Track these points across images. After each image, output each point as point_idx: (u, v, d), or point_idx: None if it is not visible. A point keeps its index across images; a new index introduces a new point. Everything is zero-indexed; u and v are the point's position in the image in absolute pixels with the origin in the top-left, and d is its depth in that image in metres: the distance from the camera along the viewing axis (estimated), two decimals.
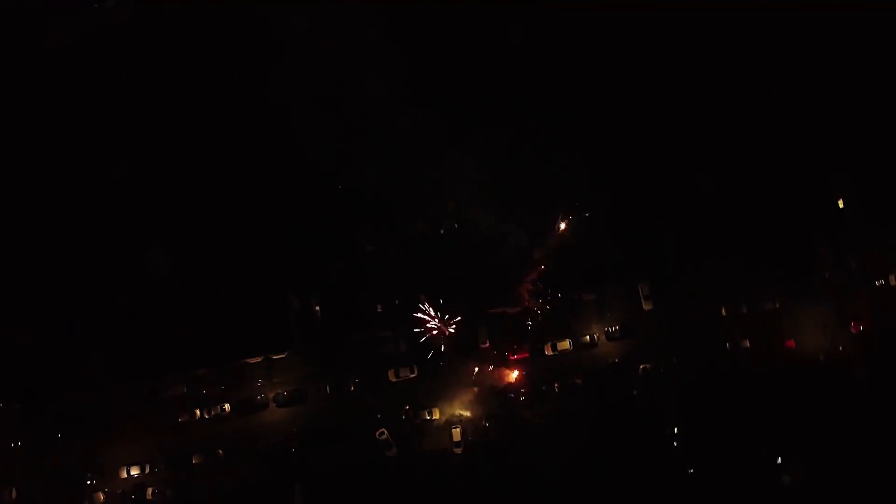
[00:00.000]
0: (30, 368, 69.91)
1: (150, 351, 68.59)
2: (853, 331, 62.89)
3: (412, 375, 65.36)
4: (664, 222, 68.21)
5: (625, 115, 70.27)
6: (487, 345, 65.82)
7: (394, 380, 65.44)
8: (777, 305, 64.58)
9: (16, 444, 68.29)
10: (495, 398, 62.99)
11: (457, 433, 61.29)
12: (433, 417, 63.22)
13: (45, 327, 70.26)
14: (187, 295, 70.55)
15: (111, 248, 71.60)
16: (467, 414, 63.09)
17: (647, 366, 62.92)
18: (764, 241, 66.98)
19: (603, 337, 65.12)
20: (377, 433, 62.25)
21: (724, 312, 64.41)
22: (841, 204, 68.12)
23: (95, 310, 70.11)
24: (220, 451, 64.45)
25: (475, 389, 63.73)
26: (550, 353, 64.45)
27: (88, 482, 64.84)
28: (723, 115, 69.96)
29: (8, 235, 73.16)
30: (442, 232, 73.01)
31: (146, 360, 68.45)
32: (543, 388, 62.75)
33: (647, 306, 65.85)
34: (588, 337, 64.96)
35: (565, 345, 64.66)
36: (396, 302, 70.07)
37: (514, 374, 63.99)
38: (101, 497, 64.11)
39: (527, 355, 64.96)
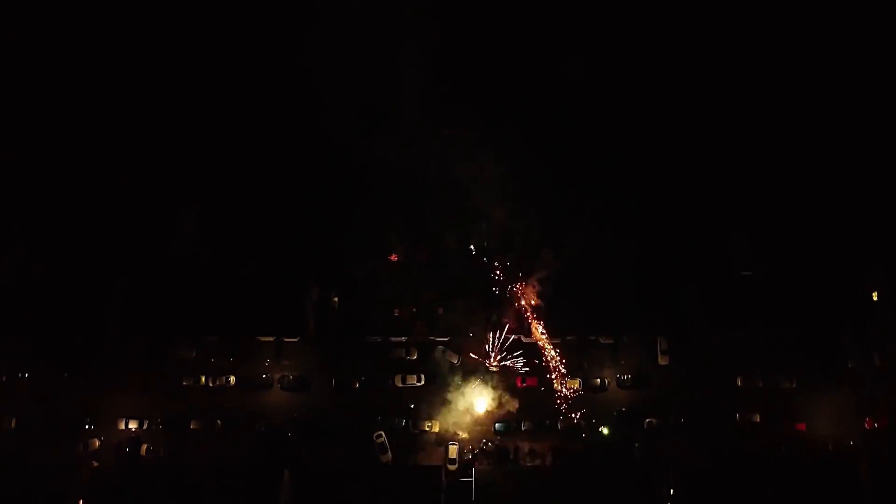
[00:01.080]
0: (49, 304, 71.70)
1: (168, 309, 70.14)
2: (867, 426, 62.15)
3: (418, 384, 65.86)
4: (695, 281, 68.76)
5: (669, 184, 71.55)
6: (497, 368, 66.33)
7: (399, 385, 65.97)
8: (794, 385, 64.11)
9: (22, 375, 70.12)
10: (496, 423, 63.11)
11: (453, 450, 61.47)
12: (432, 430, 63.55)
13: (74, 265, 72.20)
14: (214, 263, 72.14)
15: (153, 204, 73.66)
16: (465, 435, 63.45)
17: (654, 421, 62.68)
18: (792, 319, 67.02)
19: (614, 383, 65.04)
20: (375, 435, 62.70)
21: (739, 382, 64.11)
22: (875, 297, 67.79)
23: (125, 257, 72.03)
24: (219, 422, 65.34)
25: (478, 411, 64.09)
26: (559, 388, 64.55)
27: (87, 426, 66.08)
28: (772, 197, 70.91)
29: (48, 176, 75.18)
30: (471, 248, 73.94)
31: (162, 318, 70.16)
32: (547, 422, 62.86)
33: (662, 361, 65.75)
34: (599, 380, 64.92)
35: (575, 384, 64.71)
36: (414, 310, 71.08)
37: (515, 403, 64.29)
38: (97, 443, 65.19)
39: (534, 385, 65.22)
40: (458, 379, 65.14)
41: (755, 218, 70.65)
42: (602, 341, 66.87)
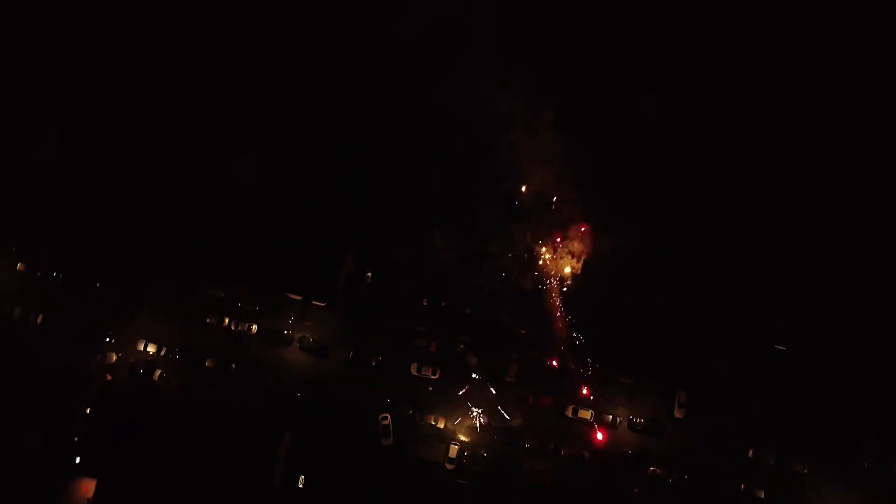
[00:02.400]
0: (96, 212, 73.29)
1: (207, 247, 71.25)
2: None
3: (433, 377, 66.05)
4: (729, 343, 67.75)
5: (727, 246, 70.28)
6: (513, 379, 66.37)
7: (415, 374, 66.21)
8: (805, 471, 62.83)
9: (57, 275, 72.08)
10: (501, 433, 63.25)
11: (454, 450, 61.63)
12: (437, 425, 63.77)
13: (129, 182, 73.70)
14: (261, 211, 72.77)
15: (216, 141, 74.40)
16: (466, 438, 63.50)
17: (658, 471, 62.18)
18: (817, 403, 65.83)
19: (625, 423, 64.55)
20: (380, 417, 63.16)
21: (750, 454, 63.12)
22: None
23: (179, 189, 72.95)
24: (234, 366, 66.52)
25: (485, 417, 64.25)
26: (570, 415, 64.39)
27: (107, 339, 67.76)
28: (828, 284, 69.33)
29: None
30: (510, 256, 73.79)
31: (200, 254, 71.27)
32: (551, 445, 62.74)
33: (678, 414, 65.01)
34: (611, 417, 64.50)
35: (586, 415, 64.39)
36: (443, 304, 71.27)
37: (524, 420, 64.19)
38: (113, 358, 66.82)
39: (547, 405, 65.11)
40: (472, 380, 65.40)
41: (805, 297, 69.15)
42: (622, 380, 66.63)
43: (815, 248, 70.43)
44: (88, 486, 56.65)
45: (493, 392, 64.64)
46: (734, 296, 70.00)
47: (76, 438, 59.48)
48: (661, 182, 73.08)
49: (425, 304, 71.10)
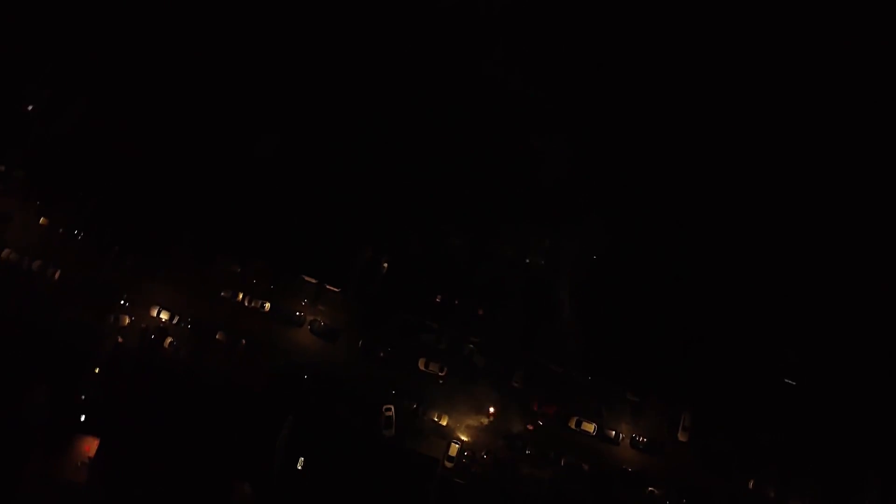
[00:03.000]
0: (125, 175, 74.13)
1: (230, 220, 72.03)
2: None
3: (440, 374, 66.20)
4: (740, 373, 67.47)
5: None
6: (520, 385, 66.36)
7: (422, 369, 66.34)
8: None
9: (79, 233, 72.79)
10: (503, 437, 63.28)
11: (454, 449, 61.77)
12: (439, 422, 63.88)
13: (166, 148, 74.87)
14: (285, 192, 73.54)
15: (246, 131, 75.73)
16: (467, 438, 63.61)
17: (656, 491, 61.95)
18: (821, 439, 65.48)
19: (627, 440, 64.40)
20: (384, 408, 63.32)
21: (751, 486, 62.77)
22: None
23: (210, 159, 74.08)
24: (243, 342, 66.86)
25: (489, 419, 64.23)
26: (573, 426, 64.24)
27: (122, 302, 68.39)
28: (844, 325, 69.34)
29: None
30: (527, 261, 73.78)
31: (222, 226, 71.92)
32: (551, 454, 62.67)
33: (682, 437, 64.78)
34: (614, 433, 64.31)
35: (590, 428, 64.24)
36: (456, 302, 71.41)
37: (528, 425, 64.23)
38: (126, 321, 67.32)
39: (551, 413, 65.10)
40: (478, 382, 65.56)
41: (820, 335, 69.07)
42: (629, 396, 66.49)
43: (838, 292, 70.38)
44: (91, 445, 57.09)
45: (500, 394, 64.83)
46: (749, 324, 69.99)
47: (83, 396, 60.00)
48: (682, 204, 73.83)
49: (438, 300, 71.40)
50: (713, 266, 71.25)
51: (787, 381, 69.41)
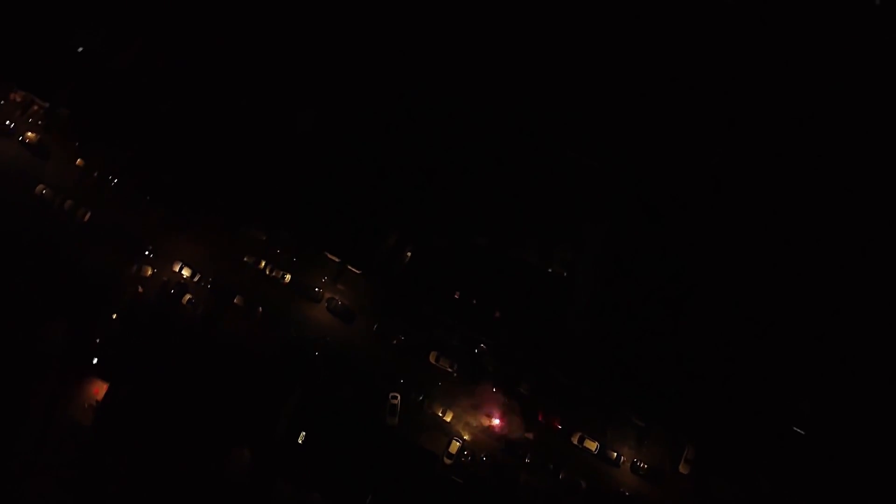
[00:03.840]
0: (167, 131, 75.28)
1: (263, 188, 72.68)
2: None
3: (450, 370, 66.28)
4: (748, 416, 66.92)
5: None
6: (526, 393, 66.19)
7: (432, 362, 66.47)
8: None
9: (113, 179, 73.78)
10: (505, 442, 63.24)
11: (455, 446, 61.92)
12: (443, 417, 64.01)
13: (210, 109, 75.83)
14: (319, 168, 74.00)
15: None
16: (469, 439, 63.76)
17: None
18: (823, 493, 64.85)
19: (628, 464, 64.10)
20: (391, 395, 63.61)
21: None
22: None
23: (253, 128, 74.79)
24: (260, 309, 67.52)
25: (492, 422, 64.32)
26: (576, 442, 64.16)
27: (147, 252, 69.41)
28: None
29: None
30: (549, 271, 73.64)
31: (254, 192, 72.57)
32: (551, 466, 62.62)
33: (683, 469, 64.25)
34: (615, 454, 64.03)
35: (592, 446, 64.04)
36: (473, 301, 71.43)
37: (529, 434, 64.22)
38: (149, 272, 68.38)
39: (555, 423, 65.02)
40: (486, 384, 65.58)
41: (837, 391, 68.19)
42: (635, 420, 66.21)
43: (862, 351, 69.34)
44: (100, 389, 58.02)
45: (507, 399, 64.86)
46: (767, 368, 69.42)
47: (97, 340, 60.92)
48: (711, 233, 72.99)
49: (456, 297, 71.52)
50: (738, 307, 70.51)
51: (796, 429, 68.85)
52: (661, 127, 77.92)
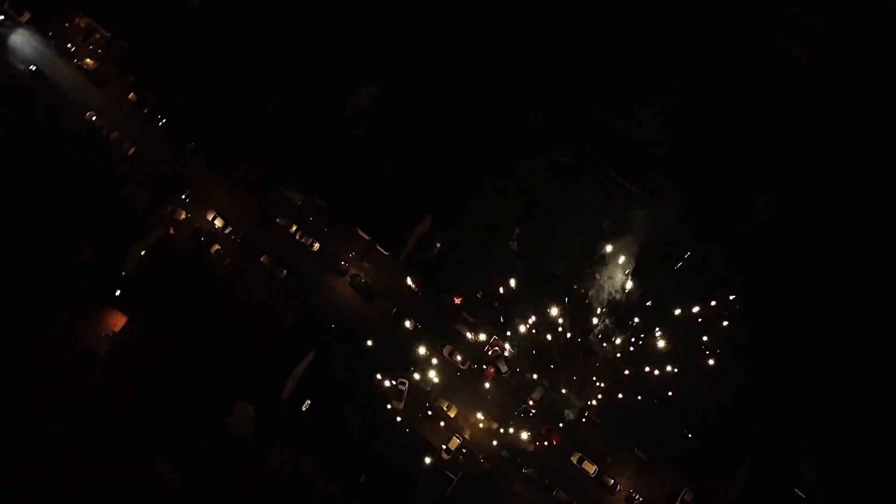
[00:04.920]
0: (217, 80, 76.07)
1: (303, 153, 73.33)
2: None
3: (461, 366, 66.53)
4: (749, 466, 66.71)
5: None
6: (533, 403, 66.49)
7: (445, 356, 66.94)
8: None
9: (160, 119, 75.00)
10: (505, 448, 63.45)
11: (455, 442, 62.28)
12: (447, 412, 64.37)
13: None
14: (366, 142, 74.29)
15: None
16: (469, 437, 64.07)
17: None
18: None
19: (624, 494, 63.69)
20: (399, 380, 64.18)
21: None
22: None
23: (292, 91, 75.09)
24: (284, 271, 68.42)
25: (495, 427, 64.47)
26: (575, 462, 64.05)
27: (184, 196, 70.62)
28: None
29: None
30: (574, 287, 73.58)
31: (295, 156, 73.27)
32: (546, 481, 62.63)
33: None
34: (612, 482, 63.72)
35: (590, 469, 63.93)
36: (495, 304, 71.59)
37: (530, 446, 64.35)
38: (182, 216, 69.59)
39: (557, 440, 65.13)
40: (496, 387, 65.81)
41: (842, 461, 67.62)
42: (637, 452, 66.07)
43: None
44: (118, 321, 59.02)
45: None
46: (773, 427, 68.82)
47: (123, 273, 61.94)
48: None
49: (479, 296, 71.78)
50: (756, 365, 69.69)
51: (797, 491, 68.36)
52: (704, 153, 77.12)
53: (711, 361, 67.85)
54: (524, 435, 64.16)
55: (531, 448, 64.24)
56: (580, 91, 78.63)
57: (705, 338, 68.98)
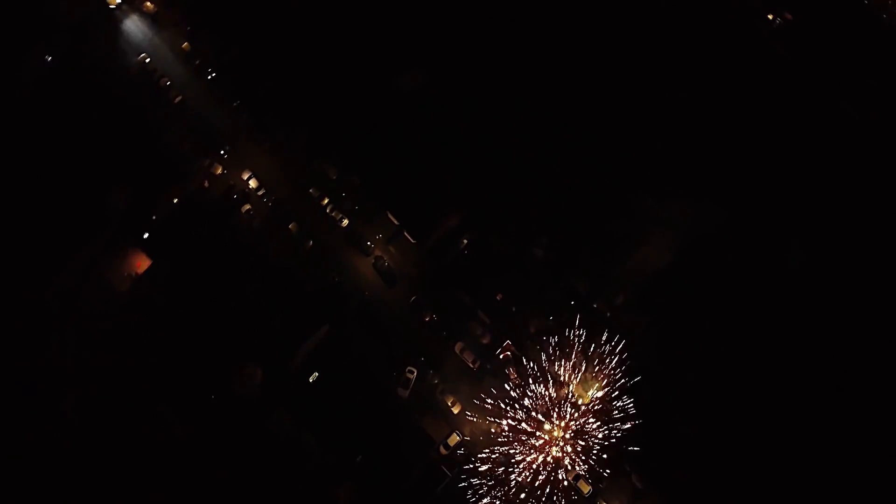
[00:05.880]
0: (269, 50, 77.03)
1: (346, 128, 74.11)
2: None
3: (471, 365, 66.78)
4: None
5: None
6: (539, 413, 66.54)
7: (456, 352, 67.13)
8: None
9: (211, 72, 75.85)
10: (502, 455, 63.00)
11: (454, 439, 62.54)
12: (451, 408, 64.65)
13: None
14: (409, 132, 74.65)
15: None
16: (469, 437, 64.24)
17: None
18: None
19: None
20: (407, 369, 64.48)
21: None
22: None
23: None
24: (311, 243, 68.92)
25: (496, 430, 64.70)
26: (570, 479, 63.90)
27: (222, 152, 71.44)
28: None
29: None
30: (594, 306, 73.57)
31: (337, 130, 74.02)
32: (538, 492, 62.04)
33: None
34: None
35: (585, 488, 63.52)
36: (513, 309, 71.74)
37: (531, 456, 64.24)
38: (218, 170, 70.32)
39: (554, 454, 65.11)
40: (502, 392, 66.00)
41: None
42: (634, 480, 65.89)
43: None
44: (142, 263, 59.76)
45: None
46: (775, 474, 68.76)
47: (154, 217, 62.76)
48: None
49: (499, 298, 72.01)
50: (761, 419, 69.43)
51: None
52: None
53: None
54: (524, 445, 64.27)
55: (530, 460, 64.43)
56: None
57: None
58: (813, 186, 78.39)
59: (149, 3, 79.29)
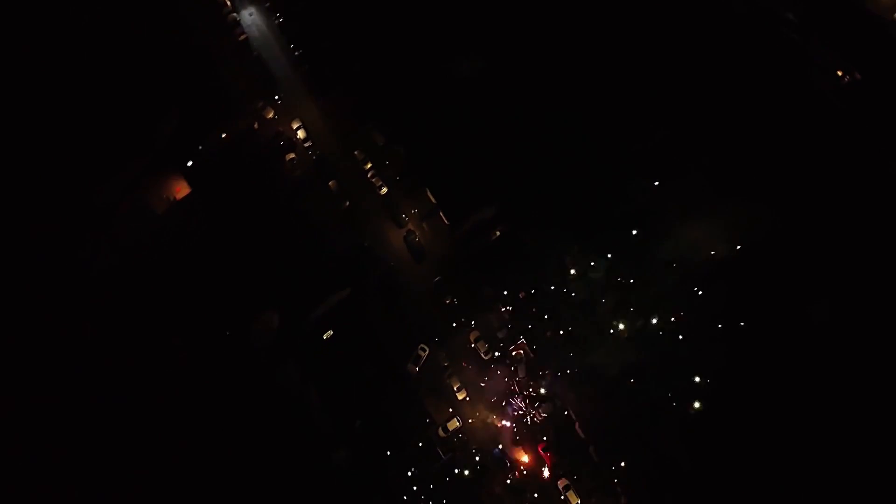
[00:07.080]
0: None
1: (402, 97, 74.57)
2: None
3: (483, 356, 66.95)
4: None
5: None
6: (538, 418, 66.68)
7: (471, 341, 67.25)
8: None
9: (279, 17, 76.49)
10: (500, 450, 63.78)
11: (454, 424, 63.05)
12: (456, 393, 64.90)
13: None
14: (461, 116, 74.34)
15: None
16: (469, 424, 64.59)
17: None
18: None
19: None
20: (420, 347, 65.05)
21: None
22: None
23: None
24: (347, 203, 69.58)
25: (496, 425, 64.97)
26: (560, 488, 63.57)
27: (276, 97, 72.29)
28: None
29: None
30: (615, 323, 73.37)
31: (393, 99, 74.39)
32: (528, 496, 62.40)
33: None
34: None
35: (574, 499, 63.33)
36: (533, 310, 71.72)
37: (525, 458, 64.73)
38: (269, 114, 71.35)
39: (548, 462, 65.26)
40: (509, 388, 66.16)
41: None
42: (623, 502, 65.91)
43: None
44: (182, 189, 60.61)
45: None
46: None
47: (200, 147, 63.59)
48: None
49: (521, 296, 72.13)
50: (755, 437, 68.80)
51: None
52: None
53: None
54: (522, 445, 64.57)
55: (525, 462, 64.59)
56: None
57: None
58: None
59: None
